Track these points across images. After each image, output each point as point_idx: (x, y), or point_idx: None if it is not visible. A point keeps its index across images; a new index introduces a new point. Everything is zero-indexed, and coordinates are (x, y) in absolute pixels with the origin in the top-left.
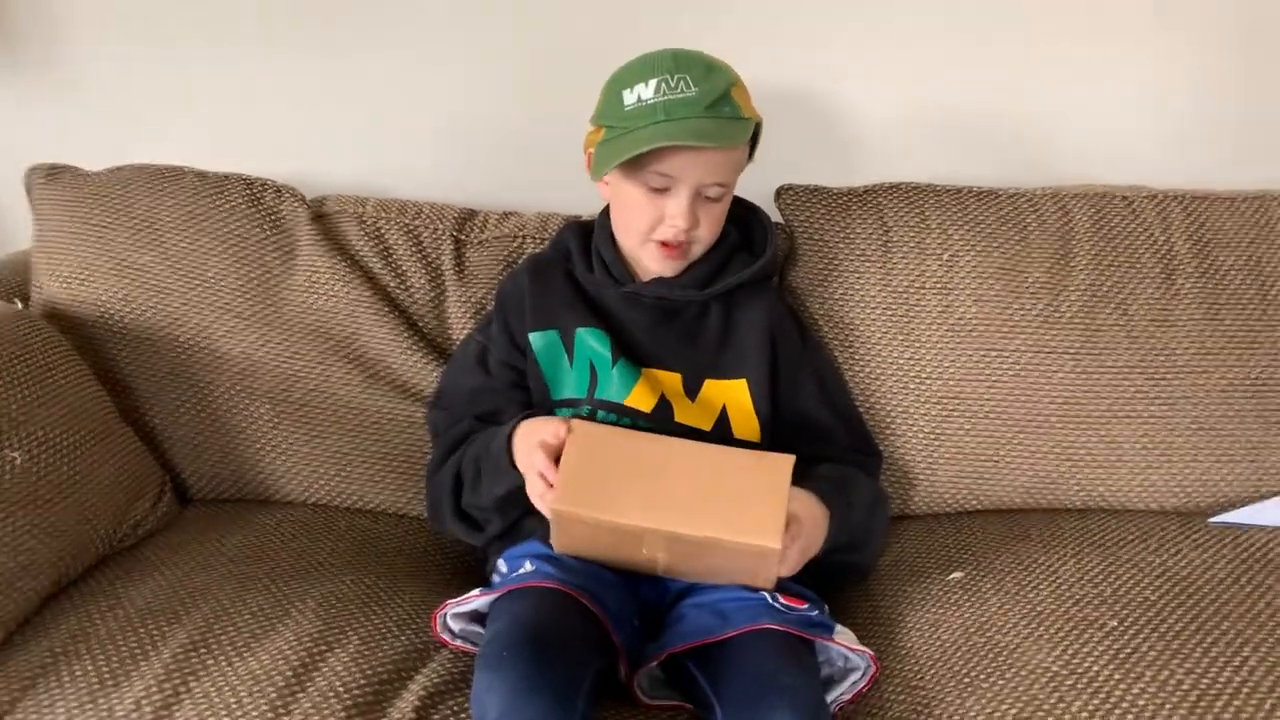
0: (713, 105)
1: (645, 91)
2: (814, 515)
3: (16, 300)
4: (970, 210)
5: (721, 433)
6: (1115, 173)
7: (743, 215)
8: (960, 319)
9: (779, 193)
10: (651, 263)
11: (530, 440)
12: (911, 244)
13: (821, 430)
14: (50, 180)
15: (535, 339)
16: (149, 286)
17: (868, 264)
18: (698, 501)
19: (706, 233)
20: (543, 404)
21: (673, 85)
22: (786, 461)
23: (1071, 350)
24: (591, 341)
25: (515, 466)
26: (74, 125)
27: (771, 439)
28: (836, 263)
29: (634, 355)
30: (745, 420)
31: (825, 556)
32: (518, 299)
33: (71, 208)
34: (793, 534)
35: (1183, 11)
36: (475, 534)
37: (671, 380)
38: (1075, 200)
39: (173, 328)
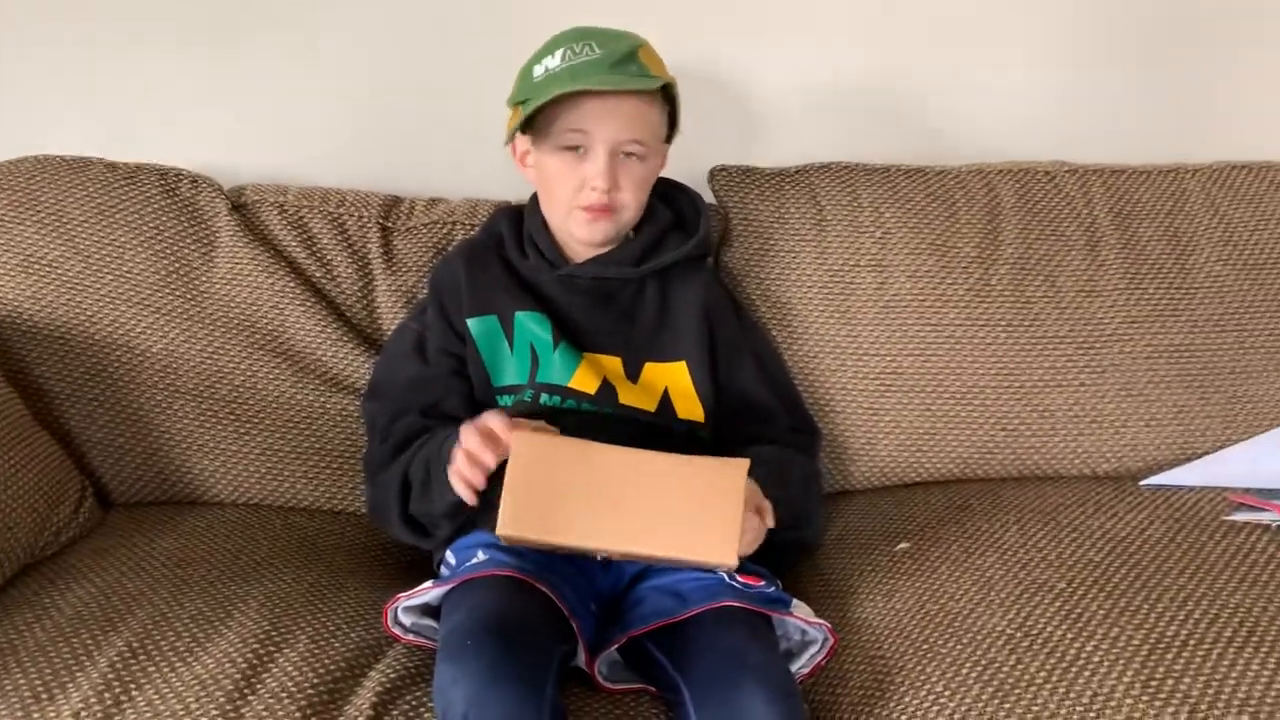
0: (618, 63)
1: (552, 61)
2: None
3: None
4: (900, 188)
5: (665, 415)
6: (1032, 150)
7: (674, 196)
8: (895, 295)
9: (712, 174)
10: (579, 230)
11: (469, 425)
12: (845, 222)
13: (761, 410)
14: None
15: (474, 324)
16: (60, 283)
17: (802, 243)
18: (650, 518)
19: (630, 197)
20: (484, 391)
21: (578, 51)
22: (740, 469)
23: (1003, 322)
24: (531, 325)
25: None
26: None
27: (715, 419)
28: (771, 243)
29: (574, 339)
30: (687, 402)
31: (770, 537)
32: (453, 285)
33: None
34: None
35: None
36: (423, 539)
37: (612, 364)
38: (1000, 176)
39: (88, 325)
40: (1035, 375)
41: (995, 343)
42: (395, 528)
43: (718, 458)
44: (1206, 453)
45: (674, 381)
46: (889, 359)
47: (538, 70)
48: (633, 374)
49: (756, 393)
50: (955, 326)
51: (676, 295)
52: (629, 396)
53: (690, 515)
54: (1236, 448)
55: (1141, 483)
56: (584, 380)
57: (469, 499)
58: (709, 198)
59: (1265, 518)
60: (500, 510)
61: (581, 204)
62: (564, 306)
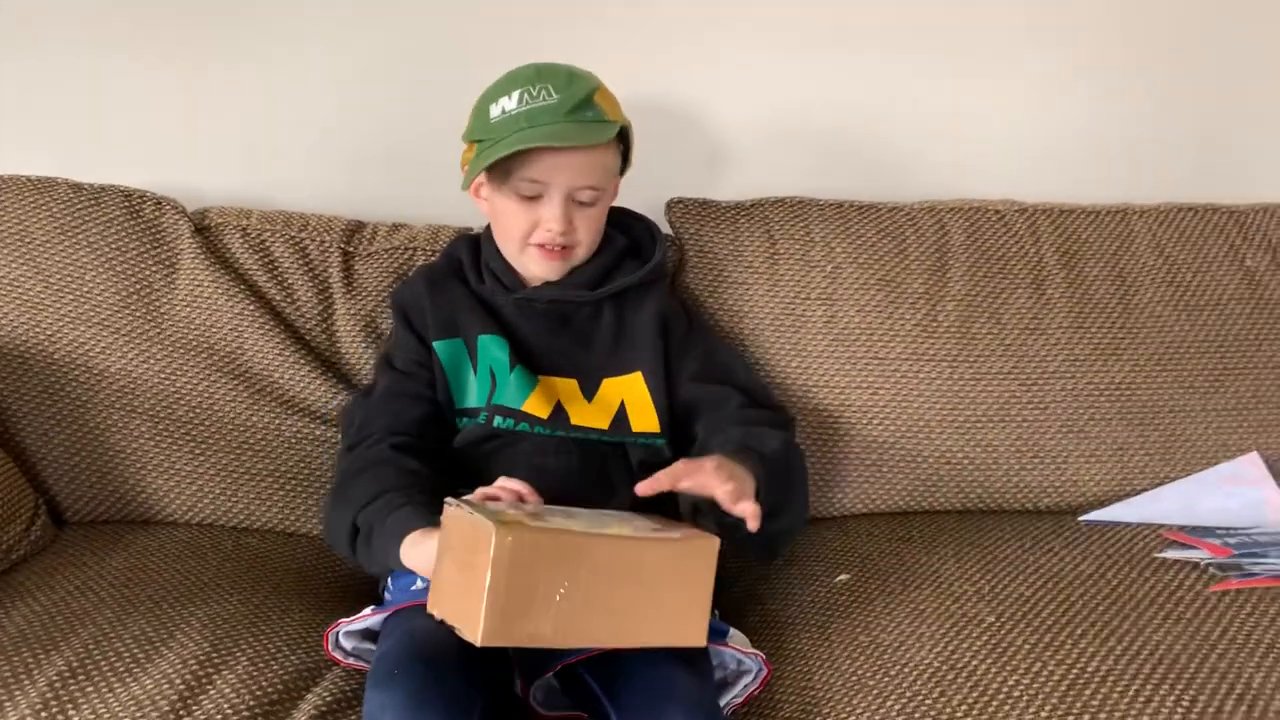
0: (575, 110)
1: (509, 103)
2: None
3: None
4: (852, 224)
5: (619, 429)
6: (985, 186)
7: (630, 224)
8: (844, 328)
9: (669, 206)
10: (534, 266)
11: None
12: (797, 256)
13: (713, 401)
14: None
15: (440, 347)
16: (21, 301)
17: (755, 275)
18: (624, 611)
19: (584, 237)
20: (448, 412)
21: (534, 94)
22: (711, 547)
23: (949, 358)
24: (493, 348)
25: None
26: None
27: (670, 427)
28: (725, 274)
29: (530, 363)
30: (643, 412)
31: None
32: (417, 306)
33: None
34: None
35: (1046, 29)
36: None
37: (568, 386)
38: (951, 214)
39: (47, 344)
40: (979, 410)
41: (940, 378)
42: (346, 557)
43: (689, 531)
44: (1145, 489)
45: (630, 394)
46: (837, 391)
47: (494, 111)
48: (589, 393)
49: (706, 387)
50: (902, 361)
51: (632, 313)
52: (581, 417)
53: (663, 602)
54: (1173, 486)
55: (1081, 518)
56: (537, 404)
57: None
58: (665, 228)
59: (1195, 555)
60: (481, 615)
61: (536, 241)
62: (521, 330)
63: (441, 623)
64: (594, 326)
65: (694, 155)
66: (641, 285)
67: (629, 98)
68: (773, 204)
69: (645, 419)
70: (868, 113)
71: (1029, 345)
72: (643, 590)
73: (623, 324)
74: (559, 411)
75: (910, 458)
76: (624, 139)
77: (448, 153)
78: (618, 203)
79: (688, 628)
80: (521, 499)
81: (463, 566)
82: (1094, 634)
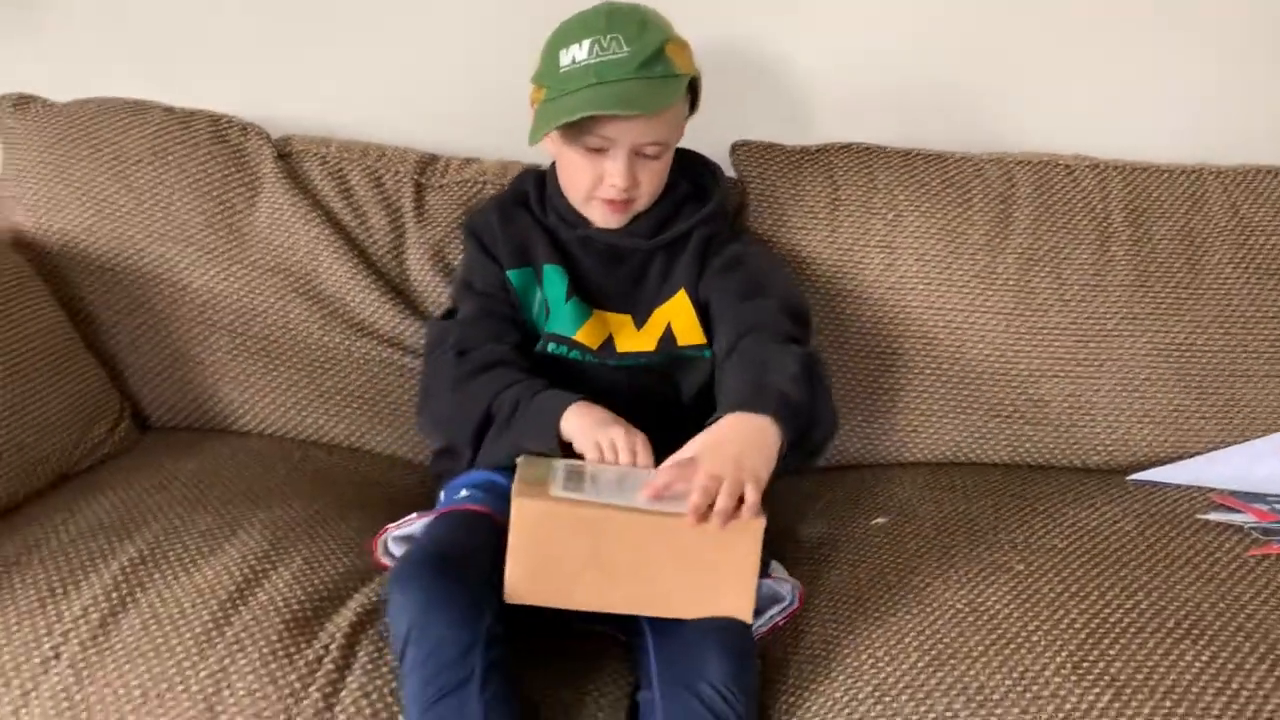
0: (645, 64)
1: (579, 52)
2: (749, 439)
3: None
4: (917, 172)
5: (666, 349)
6: (1060, 142)
7: (694, 167)
8: (902, 277)
9: (734, 148)
10: (595, 217)
11: (602, 418)
12: (859, 202)
13: (734, 316)
14: (18, 110)
15: (513, 276)
16: (114, 218)
17: (816, 220)
18: (663, 583)
19: (648, 188)
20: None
21: (605, 46)
22: (756, 530)
23: (1005, 310)
24: (554, 277)
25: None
26: (42, 56)
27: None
28: (786, 218)
29: (588, 296)
30: (689, 328)
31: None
32: (491, 234)
33: (39, 138)
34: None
35: None
36: (449, 460)
37: (621, 320)
38: (1019, 166)
39: (136, 259)
40: (1033, 365)
41: (996, 330)
42: (461, 443)
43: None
44: (1199, 453)
45: (676, 314)
46: (890, 339)
47: (564, 58)
48: (640, 324)
49: (734, 301)
50: (958, 311)
51: (683, 250)
52: (628, 344)
53: (705, 578)
54: (1229, 450)
55: (1129, 478)
56: (590, 334)
57: (592, 457)
58: (730, 171)
59: (1239, 519)
60: (505, 576)
61: (600, 196)
62: (582, 264)
63: None
64: (649, 266)
65: (764, 99)
66: (697, 225)
67: (703, 39)
68: (838, 149)
69: (691, 333)
70: (943, 62)
71: (1089, 301)
72: (680, 565)
73: (675, 261)
74: (609, 342)
75: (960, 409)
76: (693, 86)
77: (519, 90)
78: (684, 143)
79: (732, 602)
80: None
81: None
82: (1121, 587)
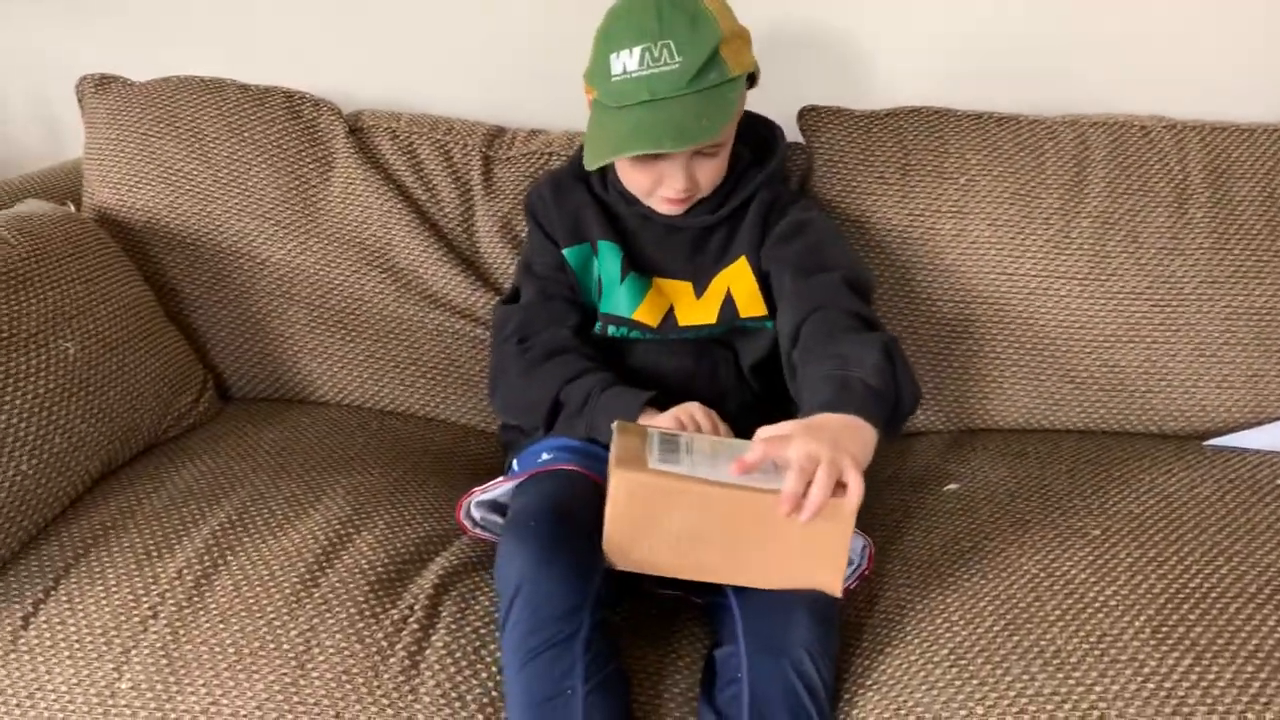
0: (698, 75)
1: (630, 61)
2: (844, 426)
3: (69, 203)
4: (989, 135)
5: (727, 320)
6: (1134, 103)
7: (754, 129)
8: (974, 242)
9: (801, 114)
10: (658, 209)
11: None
12: (930, 167)
13: (801, 295)
14: (100, 90)
15: (569, 254)
16: (194, 194)
17: (885, 185)
18: (755, 555)
19: (708, 184)
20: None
21: (656, 56)
22: (848, 507)
23: (1080, 275)
24: (608, 255)
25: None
26: (121, 36)
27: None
28: (855, 184)
29: (645, 267)
30: (750, 298)
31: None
32: (546, 213)
33: (120, 117)
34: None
35: None
36: (517, 430)
37: (682, 288)
38: (1093, 129)
39: (216, 234)
40: (1108, 330)
41: (1070, 295)
42: (536, 424)
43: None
44: (1277, 418)
45: (736, 282)
46: (962, 305)
47: (615, 65)
48: (700, 291)
49: (797, 277)
50: (1031, 277)
51: (746, 210)
52: (689, 316)
53: (796, 553)
54: None
55: (1206, 443)
56: (648, 311)
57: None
58: (796, 136)
59: None
60: (604, 543)
61: (661, 195)
62: (639, 237)
63: None
64: (711, 235)
65: (829, 63)
66: (757, 191)
67: (767, 3)
68: (908, 113)
69: (752, 304)
70: (1012, 22)
71: (1165, 265)
72: (773, 540)
73: (737, 227)
74: (669, 317)
75: (1033, 376)
76: (751, 75)
77: (584, 61)
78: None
79: (822, 578)
80: (699, 427)
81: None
82: (1201, 553)
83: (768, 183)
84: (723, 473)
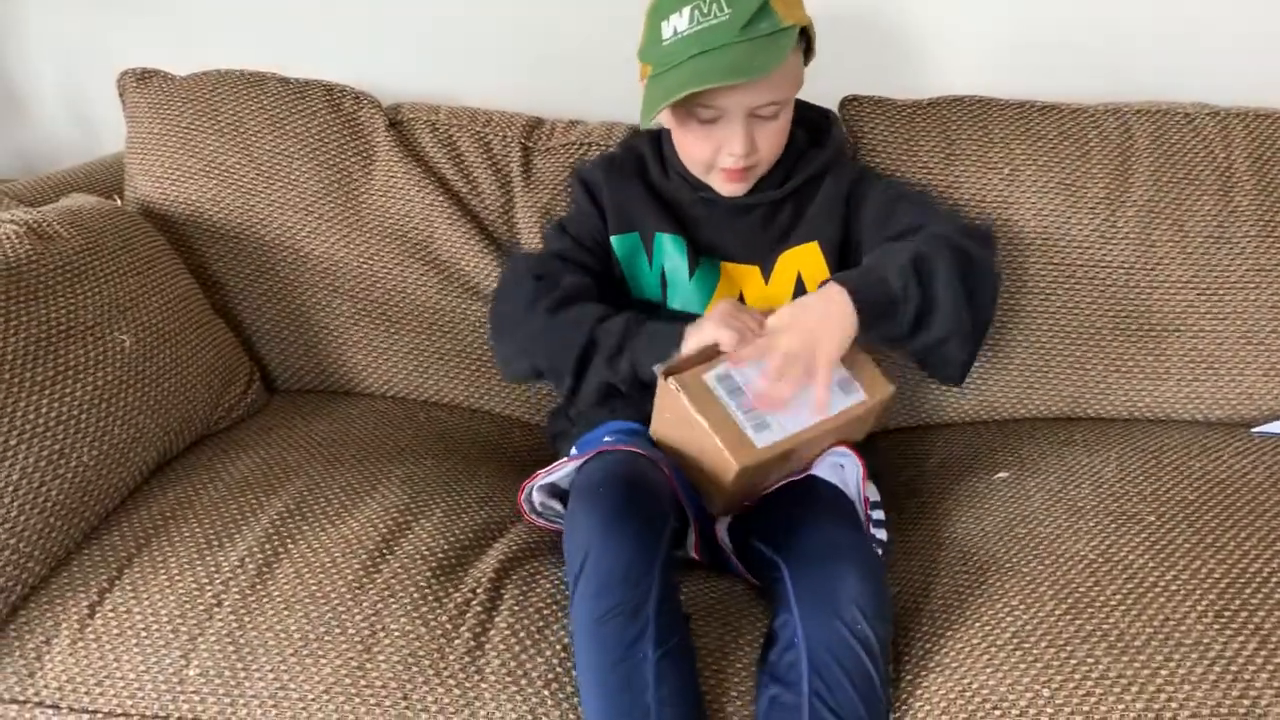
0: (749, 24)
1: (680, 22)
2: (794, 313)
3: (115, 197)
4: (1033, 124)
5: None
6: (1180, 89)
7: (805, 114)
8: (1020, 233)
9: (843, 103)
10: (718, 186)
11: (718, 313)
12: (974, 157)
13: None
14: (141, 84)
15: (616, 242)
16: (236, 187)
17: (930, 175)
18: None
19: (768, 152)
20: (617, 295)
21: (705, 11)
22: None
23: (1126, 265)
24: (671, 249)
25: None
26: (161, 31)
27: None
28: (899, 174)
29: (713, 252)
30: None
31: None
32: (597, 187)
33: (162, 111)
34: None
35: None
36: (566, 421)
37: (750, 273)
38: (1137, 116)
39: (259, 227)
40: (1154, 319)
41: (1116, 285)
42: (562, 376)
43: (871, 379)
44: None
45: (806, 265)
46: (1007, 296)
47: (665, 30)
48: (768, 273)
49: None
50: (1077, 267)
51: (813, 193)
52: (759, 303)
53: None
54: None
55: (1253, 430)
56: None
57: (729, 343)
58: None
59: None
60: (724, 453)
61: (720, 166)
62: (703, 223)
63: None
64: (777, 214)
65: (874, 53)
66: (822, 170)
67: None
68: (951, 103)
69: None
70: (1057, 11)
71: (1211, 254)
72: (841, 427)
73: (805, 204)
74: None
75: (1079, 364)
76: (805, 34)
77: (621, 51)
78: None
79: (871, 385)
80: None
81: (699, 452)
82: (1259, 538)
83: (835, 162)
84: (800, 414)
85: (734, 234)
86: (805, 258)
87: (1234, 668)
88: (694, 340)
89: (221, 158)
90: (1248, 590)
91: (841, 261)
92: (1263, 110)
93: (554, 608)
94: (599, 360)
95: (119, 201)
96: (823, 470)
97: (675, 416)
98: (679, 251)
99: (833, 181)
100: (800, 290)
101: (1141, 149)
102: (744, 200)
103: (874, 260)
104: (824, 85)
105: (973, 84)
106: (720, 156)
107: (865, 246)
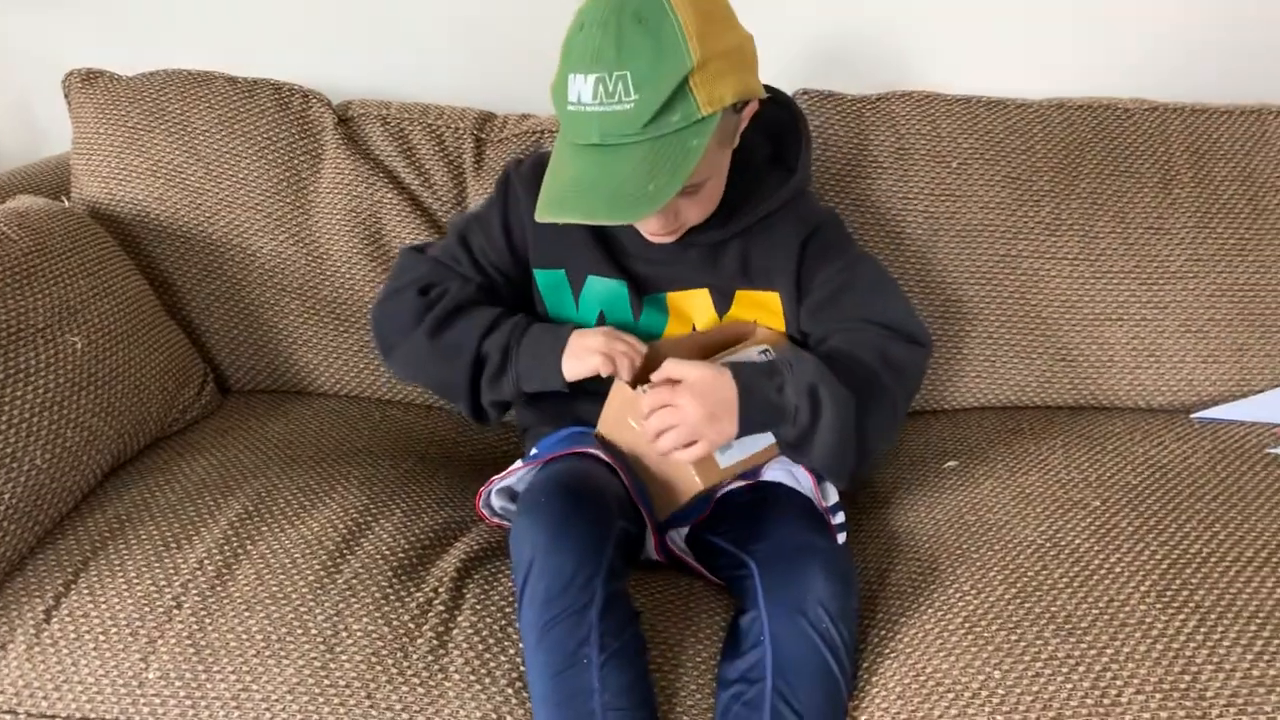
0: (655, 120)
1: (585, 90)
2: (709, 384)
3: (64, 198)
4: (980, 119)
5: None
6: (1120, 87)
7: (775, 115)
8: (968, 225)
9: (795, 96)
10: (650, 238)
11: (594, 341)
12: (923, 151)
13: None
14: (87, 85)
15: (540, 276)
16: (184, 187)
17: (880, 169)
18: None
19: (697, 216)
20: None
21: (610, 91)
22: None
23: (1070, 256)
24: (607, 295)
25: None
26: (106, 31)
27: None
28: (850, 168)
29: (654, 284)
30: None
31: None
32: (518, 206)
33: (109, 111)
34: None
35: None
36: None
37: (699, 299)
38: (1079, 111)
39: (207, 227)
40: (1098, 308)
41: (1061, 275)
42: (457, 401)
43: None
44: (1262, 390)
45: (764, 312)
46: (955, 286)
47: (571, 89)
48: (722, 304)
49: (840, 321)
50: (1024, 258)
51: (769, 230)
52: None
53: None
54: None
55: (1193, 415)
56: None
57: (606, 372)
58: None
59: None
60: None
61: (645, 231)
62: (641, 256)
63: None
64: (723, 247)
65: (820, 47)
66: (781, 208)
67: None
68: (900, 97)
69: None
70: (998, 10)
71: (1152, 245)
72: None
73: (757, 241)
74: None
75: (1026, 353)
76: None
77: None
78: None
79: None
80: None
81: (658, 463)
82: (1198, 520)
83: (795, 202)
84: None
85: (675, 264)
86: (764, 304)
87: (1175, 645)
88: (574, 369)
89: (169, 157)
90: (1188, 570)
91: (796, 313)
92: (1199, 106)
93: (516, 606)
94: (485, 381)
95: (67, 203)
96: (782, 476)
97: (640, 425)
98: (621, 299)
99: (791, 225)
100: None
101: (1085, 143)
102: (683, 241)
103: (784, 365)
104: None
105: (921, 80)
106: (638, 222)
107: (801, 319)
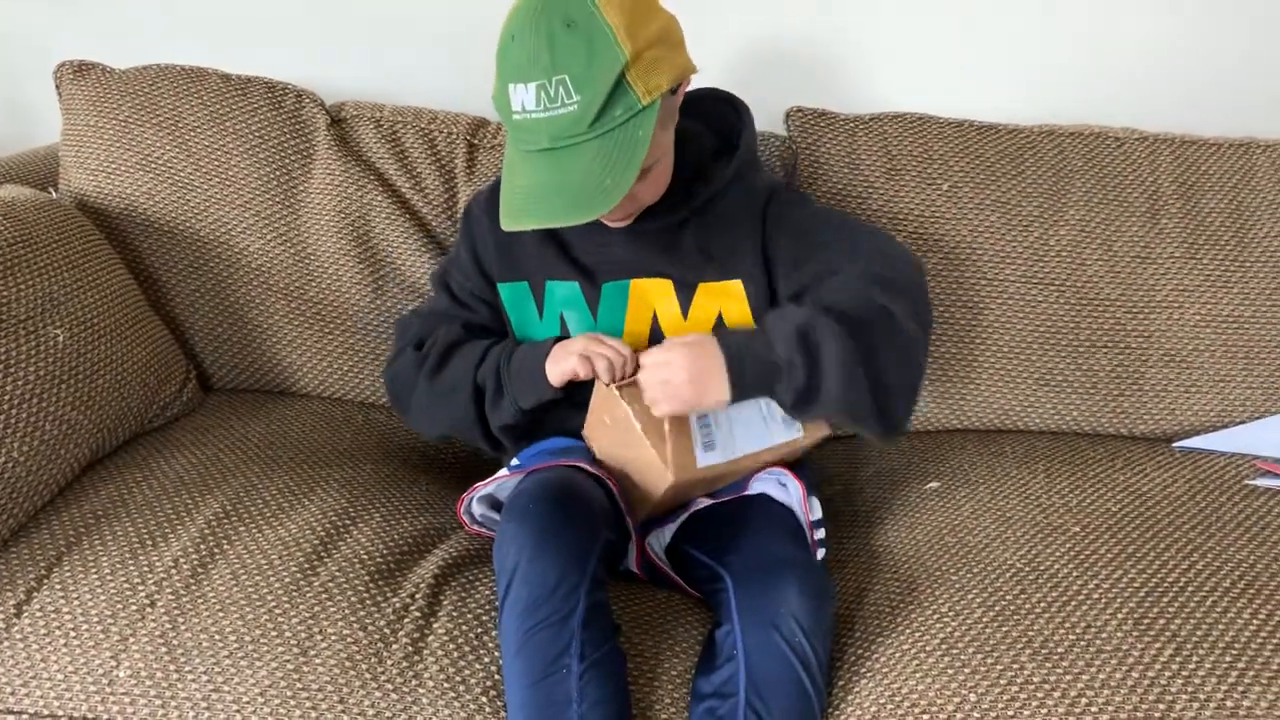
0: (600, 117)
1: (528, 99)
2: (694, 350)
3: (51, 190)
4: (971, 143)
5: None
6: (1108, 114)
7: (717, 109)
8: (956, 248)
9: (788, 115)
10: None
11: (576, 344)
12: (914, 172)
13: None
14: (78, 77)
15: (504, 290)
16: (173, 182)
17: (871, 189)
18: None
19: (650, 196)
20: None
21: (553, 96)
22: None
23: (1057, 282)
24: (566, 298)
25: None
26: (100, 24)
27: None
28: (840, 187)
29: (615, 274)
30: (742, 323)
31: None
32: (483, 236)
33: (99, 104)
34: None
35: None
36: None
37: (661, 288)
38: (1070, 139)
39: (194, 222)
40: (1083, 336)
41: (1047, 301)
42: (474, 438)
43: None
44: (1244, 422)
45: (728, 302)
46: (942, 309)
47: (514, 100)
48: (685, 303)
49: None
50: (1010, 283)
51: (724, 214)
52: (673, 330)
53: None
54: (1273, 419)
55: (1175, 445)
56: (632, 336)
57: (585, 373)
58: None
59: None
60: (662, 467)
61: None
62: (597, 252)
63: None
64: (680, 231)
65: (817, 67)
66: (730, 184)
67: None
68: (892, 118)
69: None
70: (992, 36)
71: (1139, 273)
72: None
73: (713, 226)
74: (654, 328)
75: (1009, 378)
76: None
77: None
78: (706, 82)
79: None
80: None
81: (633, 460)
82: (1177, 548)
83: (742, 175)
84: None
85: (635, 252)
86: (727, 294)
87: (1150, 673)
88: (556, 372)
89: (159, 152)
90: (1165, 599)
91: (769, 296)
92: (1189, 137)
93: (493, 614)
94: (488, 409)
95: (54, 194)
96: (769, 488)
97: (614, 422)
98: (577, 301)
99: (743, 199)
100: (721, 329)
101: (1075, 170)
102: (637, 226)
103: (770, 321)
104: (774, 99)
105: (913, 102)
106: None
107: (780, 289)
